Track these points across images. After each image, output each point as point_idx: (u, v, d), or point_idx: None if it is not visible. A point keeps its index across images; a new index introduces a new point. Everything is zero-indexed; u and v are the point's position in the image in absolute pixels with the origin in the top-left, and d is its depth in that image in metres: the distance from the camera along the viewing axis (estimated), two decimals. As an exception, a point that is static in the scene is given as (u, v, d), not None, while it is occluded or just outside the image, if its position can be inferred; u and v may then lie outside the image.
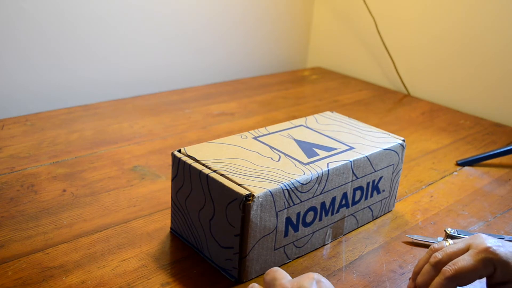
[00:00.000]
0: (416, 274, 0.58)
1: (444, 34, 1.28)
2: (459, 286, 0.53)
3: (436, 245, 0.58)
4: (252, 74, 1.49)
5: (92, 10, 1.13)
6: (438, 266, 0.55)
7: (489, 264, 0.52)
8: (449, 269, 0.53)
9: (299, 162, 0.65)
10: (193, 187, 0.62)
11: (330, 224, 0.67)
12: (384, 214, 0.77)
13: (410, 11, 1.34)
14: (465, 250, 0.54)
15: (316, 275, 0.48)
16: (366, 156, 0.68)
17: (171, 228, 0.69)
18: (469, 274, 0.52)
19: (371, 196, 0.72)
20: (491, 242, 0.53)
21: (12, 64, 1.06)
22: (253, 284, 0.49)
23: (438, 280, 0.53)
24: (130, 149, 0.92)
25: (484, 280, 0.56)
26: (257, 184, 0.58)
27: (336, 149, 0.69)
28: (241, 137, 0.71)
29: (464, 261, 0.52)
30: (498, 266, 0.52)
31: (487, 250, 0.52)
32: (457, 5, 1.24)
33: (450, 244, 0.57)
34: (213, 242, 0.61)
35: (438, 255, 0.55)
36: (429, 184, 0.87)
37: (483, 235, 0.55)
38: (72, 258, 0.62)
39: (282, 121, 1.02)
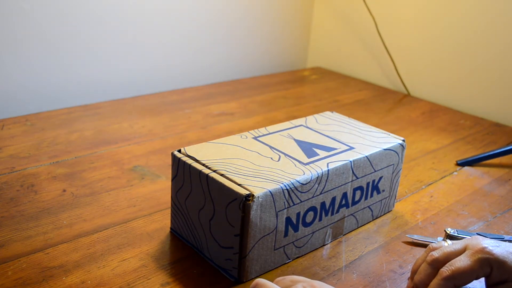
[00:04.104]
0: (414, 272, 0.59)
1: (444, 34, 1.28)
2: (457, 286, 0.53)
3: (434, 245, 0.58)
4: (252, 74, 1.49)
5: (92, 10, 1.13)
6: (435, 264, 0.55)
7: (486, 264, 0.53)
8: (446, 269, 0.53)
9: (299, 162, 0.65)
10: (193, 187, 0.62)
11: (330, 224, 0.67)
12: (384, 214, 0.77)
13: (410, 11, 1.34)
14: (462, 251, 0.55)
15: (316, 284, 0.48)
16: (366, 156, 0.68)
17: (171, 228, 0.69)
18: (466, 275, 0.53)
19: (371, 196, 0.72)
20: (487, 242, 0.54)
21: (12, 64, 1.06)
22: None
23: (435, 281, 0.54)
24: (130, 149, 0.92)
25: (483, 280, 0.56)
26: (257, 184, 0.58)
27: (336, 149, 0.69)
28: (241, 137, 0.71)
29: (461, 261, 0.53)
30: (494, 266, 0.53)
31: (483, 250, 0.53)
32: (457, 5, 1.24)
33: (448, 245, 0.57)
34: (213, 242, 0.61)
35: (435, 254, 0.56)
36: (429, 184, 0.87)
37: (480, 237, 0.56)
38: (72, 258, 0.62)
39: (282, 121, 1.02)
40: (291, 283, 0.50)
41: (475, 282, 0.58)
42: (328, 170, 0.63)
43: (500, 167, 0.95)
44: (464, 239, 0.57)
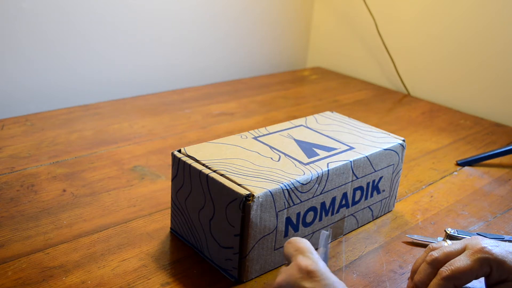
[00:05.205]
0: (414, 272, 0.59)
1: (444, 34, 1.28)
2: (456, 286, 0.53)
3: (434, 245, 0.58)
4: (252, 74, 1.49)
5: (92, 10, 1.13)
6: (435, 264, 0.55)
7: (485, 263, 0.53)
8: (445, 269, 0.53)
9: (299, 162, 0.65)
10: (193, 187, 0.62)
11: (330, 224, 0.67)
12: (384, 214, 0.77)
13: (410, 11, 1.34)
14: (462, 250, 0.55)
15: (303, 262, 0.48)
16: (366, 156, 0.68)
17: (171, 228, 0.69)
18: (466, 274, 0.53)
19: (371, 196, 0.72)
20: (486, 242, 0.54)
21: (12, 64, 1.06)
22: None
23: (435, 281, 0.54)
24: (130, 149, 0.92)
25: (483, 280, 0.56)
26: (257, 184, 0.58)
27: (336, 149, 0.69)
28: (241, 137, 0.71)
29: (461, 261, 0.53)
30: (494, 266, 0.53)
31: (483, 250, 0.53)
32: (456, 5, 1.24)
33: (448, 245, 0.57)
34: (213, 242, 0.61)
35: (435, 254, 0.56)
36: (429, 184, 0.87)
37: (480, 237, 0.56)
38: (72, 258, 0.62)
39: (282, 121, 1.02)
40: (295, 253, 0.50)
41: (475, 282, 0.58)
42: (328, 170, 0.63)
43: (500, 167, 0.95)
44: (464, 239, 0.57)
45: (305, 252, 0.49)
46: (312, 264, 0.48)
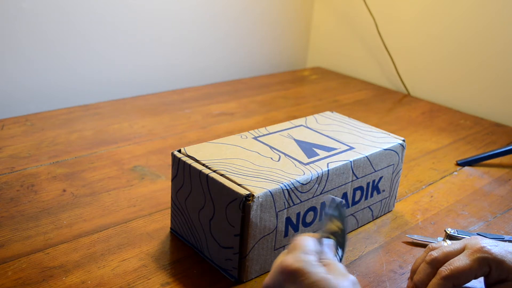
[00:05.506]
0: (413, 272, 0.59)
1: (444, 34, 1.28)
2: (456, 285, 0.53)
3: (433, 245, 0.58)
4: (252, 74, 1.49)
5: (92, 10, 1.13)
6: (434, 263, 0.55)
7: (484, 263, 0.53)
8: (445, 269, 0.53)
9: (299, 162, 0.65)
10: (193, 187, 0.62)
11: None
12: (384, 214, 0.77)
13: (410, 11, 1.34)
14: (461, 250, 0.55)
15: (286, 262, 0.45)
16: (366, 156, 0.68)
17: (171, 228, 0.69)
18: (465, 274, 0.53)
19: (371, 196, 0.72)
20: (486, 242, 0.54)
21: (12, 64, 1.06)
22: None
23: (434, 280, 0.54)
24: (130, 149, 0.92)
25: (483, 280, 0.56)
26: (257, 184, 0.58)
27: (336, 149, 0.69)
28: (241, 137, 0.71)
29: (460, 261, 0.53)
30: (493, 265, 0.53)
31: (482, 249, 0.53)
32: (457, 5, 1.24)
33: (447, 244, 0.57)
34: (213, 242, 0.61)
35: (434, 253, 0.56)
36: (429, 184, 0.87)
37: (479, 237, 0.56)
38: (72, 258, 0.62)
39: (282, 121, 1.02)
40: (287, 251, 0.48)
41: (474, 282, 0.58)
42: (328, 170, 0.63)
43: (500, 167, 0.95)
44: (464, 239, 0.58)
45: (296, 250, 0.47)
46: (295, 262, 0.45)
